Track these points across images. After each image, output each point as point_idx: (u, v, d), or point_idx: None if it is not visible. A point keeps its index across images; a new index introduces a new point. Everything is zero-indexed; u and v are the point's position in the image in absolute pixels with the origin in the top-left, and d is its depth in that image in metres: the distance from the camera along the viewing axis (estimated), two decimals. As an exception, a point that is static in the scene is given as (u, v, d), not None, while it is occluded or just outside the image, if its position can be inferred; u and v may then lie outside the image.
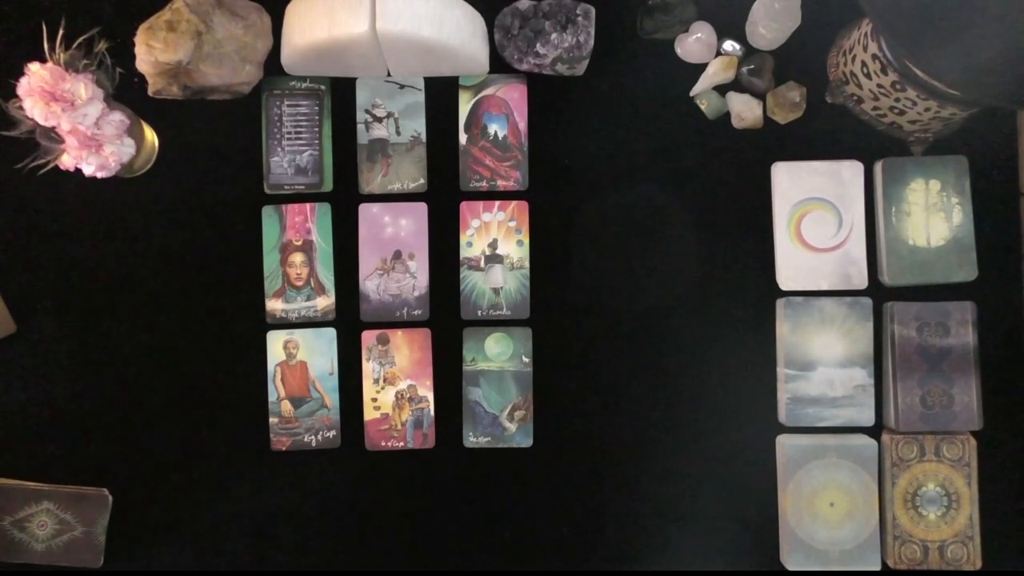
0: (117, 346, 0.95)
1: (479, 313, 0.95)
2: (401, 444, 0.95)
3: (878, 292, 0.94)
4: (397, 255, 0.95)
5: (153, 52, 0.88)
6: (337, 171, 0.96)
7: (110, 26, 0.88)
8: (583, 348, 0.95)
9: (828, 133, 0.96)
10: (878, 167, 0.94)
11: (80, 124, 0.82)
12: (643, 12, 0.96)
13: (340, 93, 0.96)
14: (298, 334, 0.95)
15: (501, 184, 0.96)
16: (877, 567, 0.92)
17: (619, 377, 0.95)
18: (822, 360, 0.93)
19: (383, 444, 0.95)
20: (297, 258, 0.95)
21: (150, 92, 0.92)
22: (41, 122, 0.82)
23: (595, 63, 0.95)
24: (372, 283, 0.95)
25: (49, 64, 0.82)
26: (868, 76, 0.88)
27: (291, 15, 0.92)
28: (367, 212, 0.96)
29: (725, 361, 0.95)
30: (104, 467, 0.94)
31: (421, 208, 0.96)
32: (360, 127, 0.96)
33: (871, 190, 0.95)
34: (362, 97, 0.96)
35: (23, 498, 0.93)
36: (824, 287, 0.94)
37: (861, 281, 0.94)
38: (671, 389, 0.95)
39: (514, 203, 0.96)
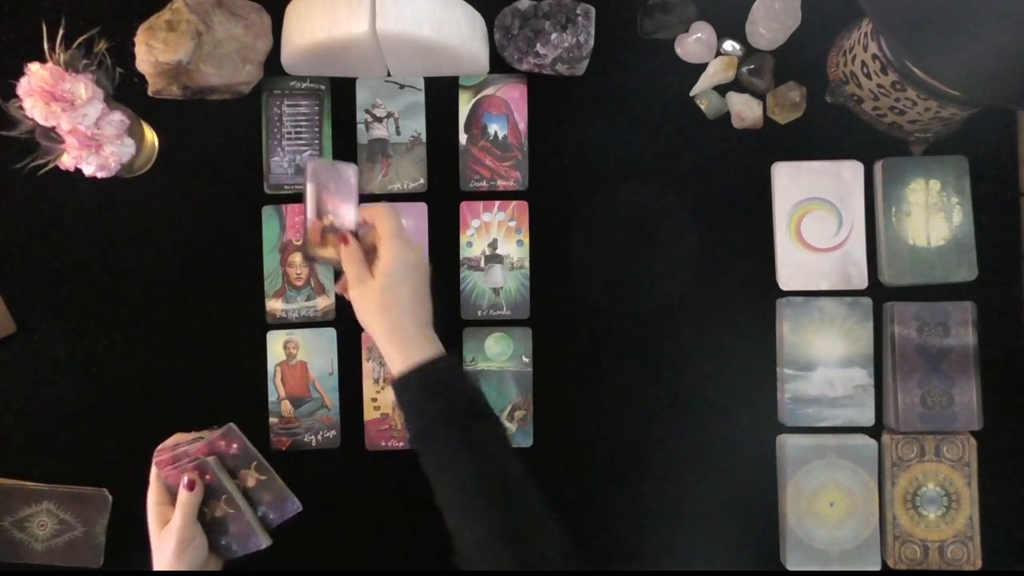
0: (117, 346, 0.95)
1: (479, 313, 0.95)
2: (401, 444, 0.95)
3: (878, 292, 0.94)
4: (397, 255, 0.95)
5: (153, 52, 0.88)
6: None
7: (110, 26, 0.88)
8: (583, 348, 0.95)
9: (828, 133, 0.96)
10: (878, 167, 0.94)
11: (80, 124, 0.82)
12: (643, 12, 0.96)
13: (340, 93, 0.96)
14: (298, 334, 0.95)
15: (501, 184, 0.96)
16: (877, 567, 0.92)
17: (619, 377, 0.95)
18: (822, 360, 0.93)
19: (383, 444, 0.95)
20: (297, 258, 0.95)
21: (150, 92, 0.92)
22: (41, 122, 0.82)
23: (595, 63, 0.95)
24: (372, 283, 0.95)
25: (49, 64, 0.81)
26: (868, 76, 0.88)
27: (291, 15, 0.92)
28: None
29: (725, 361, 0.95)
30: (104, 467, 0.94)
31: (421, 208, 0.96)
32: (360, 127, 0.96)
33: (871, 190, 0.95)
34: (362, 97, 0.96)
35: (23, 498, 0.93)
36: (824, 287, 0.94)
37: (861, 281, 0.94)
38: (671, 389, 0.95)
39: (514, 203, 0.96)
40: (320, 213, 0.84)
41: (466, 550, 0.75)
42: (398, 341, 0.79)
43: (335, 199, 0.84)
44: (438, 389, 0.78)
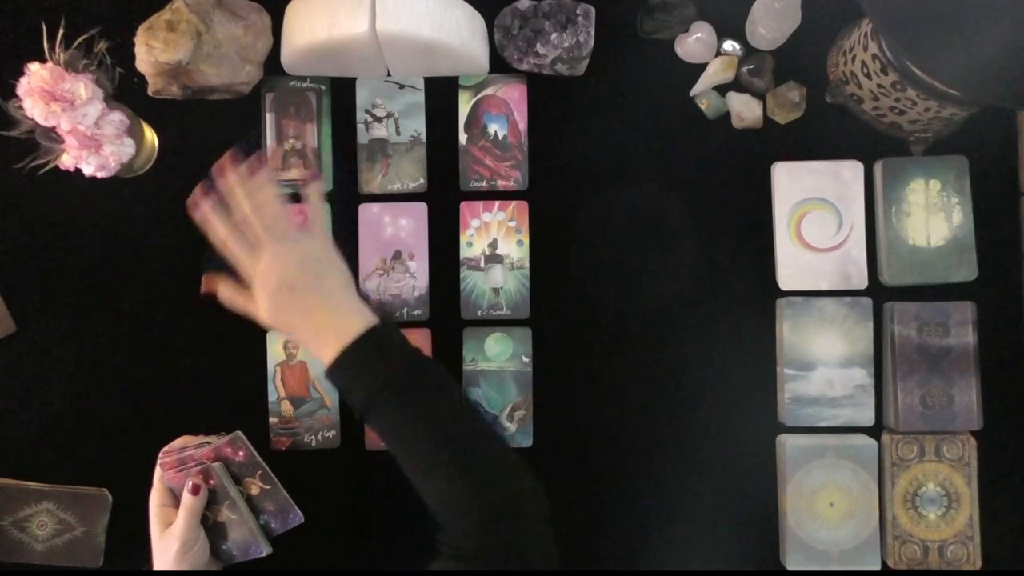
0: (117, 346, 0.95)
1: (479, 313, 0.95)
2: (401, 444, 0.95)
3: (878, 292, 0.94)
4: (397, 255, 0.95)
5: (153, 52, 0.88)
6: (337, 171, 0.96)
7: (110, 26, 0.88)
8: (583, 348, 0.95)
9: (828, 133, 0.96)
10: (878, 167, 0.94)
11: (80, 124, 0.82)
12: (643, 12, 0.96)
13: (340, 93, 0.96)
14: (298, 334, 0.95)
15: (501, 184, 0.96)
16: (877, 567, 0.92)
17: (619, 377, 0.95)
18: (822, 360, 0.93)
19: (383, 444, 0.95)
20: (297, 258, 0.95)
21: (150, 92, 0.92)
22: (41, 122, 0.82)
23: (595, 63, 0.95)
24: (372, 283, 0.95)
25: (49, 64, 0.82)
26: (868, 76, 0.88)
27: (291, 15, 0.92)
28: (367, 212, 0.96)
29: (725, 361, 0.95)
30: (104, 467, 0.94)
31: (421, 208, 0.96)
32: (360, 127, 0.96)
33: (871, 190, 0.95)
34: (362, 97, 0.96)
35: (23, 498, 0.93)
36: (824, 287, 0.94)
37: (861, 281, 0.94)
38: (671, 389, 0.95)
39: (514, 203, 0.96)
40: (280, 138, 0.90)
41: (434, 506, 0.75)
42: (318, 341, 0.78)
43: (297, 122, 0.88)
44: (366, 368, 0.76)
